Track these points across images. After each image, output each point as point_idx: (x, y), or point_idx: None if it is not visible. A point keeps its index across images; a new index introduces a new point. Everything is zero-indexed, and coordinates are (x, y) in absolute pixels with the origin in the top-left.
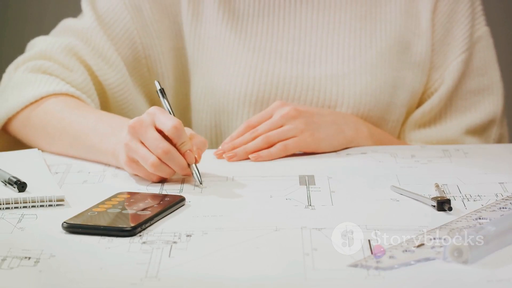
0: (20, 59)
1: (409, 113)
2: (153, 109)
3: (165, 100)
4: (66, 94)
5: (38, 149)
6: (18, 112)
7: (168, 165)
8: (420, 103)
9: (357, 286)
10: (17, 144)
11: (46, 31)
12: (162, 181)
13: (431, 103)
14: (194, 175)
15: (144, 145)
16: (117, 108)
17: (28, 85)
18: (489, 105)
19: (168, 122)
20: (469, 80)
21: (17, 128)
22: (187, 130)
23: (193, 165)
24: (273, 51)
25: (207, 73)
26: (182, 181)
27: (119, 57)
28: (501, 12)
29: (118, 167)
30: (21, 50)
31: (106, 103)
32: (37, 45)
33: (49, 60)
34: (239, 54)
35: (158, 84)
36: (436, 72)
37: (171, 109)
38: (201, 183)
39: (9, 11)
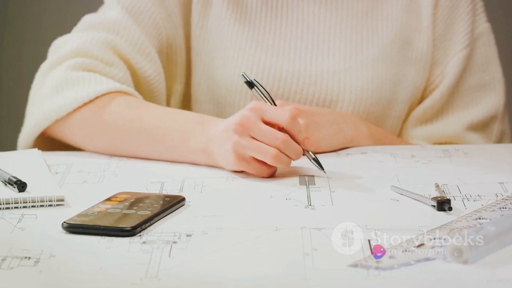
0: (54, 58)
1: (411, 109)
2: (255, 103)
3: (260, 91)
4: (121, 92)
5: (96, 151)
6: (68, 114)
7: (286, 155)
8: (421, 100)
9: (357, 286)
10: (55, 147)
11: (46, 31)
12: (271, 176)
13: (432, 99)
14: (314, 162)
15: (257, 140)
16: (148, 100)
17: (76, 84)
18: (491, 101)
19: (282, 114)
20: (470, 76)
21: (68, 131)
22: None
23: (310, 152)
24: (276, 45)
25: (210, 64)
26: (182, 180)
27: (154, 48)
28: (500, 8)
29: (208, 165)
30: (21, 50)
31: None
32: (69, 42)
33: (87, 57)
34: (242, 47)
35: (245, 76)
36: (437, 67)
37: (270, 98)
38: (325, 172)
39: (9, 11)
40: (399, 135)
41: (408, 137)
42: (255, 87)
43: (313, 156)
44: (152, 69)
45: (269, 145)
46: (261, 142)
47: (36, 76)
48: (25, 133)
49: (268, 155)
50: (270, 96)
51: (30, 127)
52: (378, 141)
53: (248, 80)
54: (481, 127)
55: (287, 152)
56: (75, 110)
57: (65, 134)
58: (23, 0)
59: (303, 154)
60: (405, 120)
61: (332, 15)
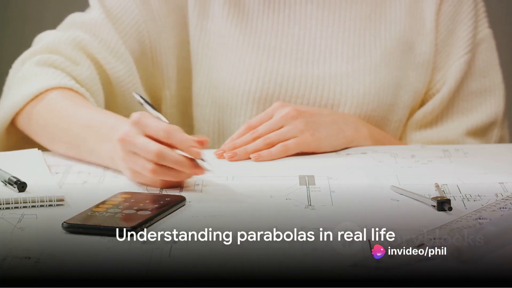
0: (26, 53)
1: (411, 113)
2: (136, 116)
3: (149, 106)
4: (68, 89)
5: (40, 148)
6: (23, 107)
7: (169, 167)
8: (422, 104)
9: (357, 286)
10: (27, 141)
11: (46, 30)
12: (173, 186)
13: (432, 104)
14: (202, 164)
15: (139, 154)
16: (123, 102)
17: (33, 79)
18: (491, 107)
19: (158, 127)
20: (471, 82)
21: (23, 124)
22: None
23: (198, 160)
24: (277, 49)
25: (211, 69)
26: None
27: (127, 50)
28: (501, 13)
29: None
30: (21, 50)
31: (112, 97)
32: (44, 39)
33: (55, 54)
34: (244, 51)
35: (137, 95)
36: (438, 72)
37: (156, 111)
38: (211, 170)
39: (9, 11)
40: (399, 139)
41: (407, 141)
42: (147, 104)
43: (202, 161)
44: (123, 70)
45: (147, 159)
46: (141, 156)
47: (13, 65)
48: None
49: (145, 170)
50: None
51: None
52: (378, 141)
53: (140, 100)
54: (480, 132)
55: (165, 164)
56: (26, 104)
57: (22, 127)
58: (23, 0)
59: (193, 161)
60: (405, 124)
61: (335, 19)
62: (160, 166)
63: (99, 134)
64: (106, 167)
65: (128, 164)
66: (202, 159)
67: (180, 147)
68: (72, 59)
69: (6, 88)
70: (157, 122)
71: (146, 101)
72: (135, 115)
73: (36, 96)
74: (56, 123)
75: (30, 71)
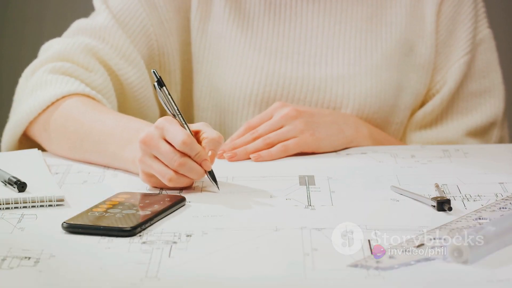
0: (37, 62)
1: (411, 114)
2: (161, 121)
3: (163, 94)
4: (85, 95)
5: (57, 155)
6: (39, 114)
7: (185, 175)
8: (422, 104)
9: (357, 286)
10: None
11: (46, 31)
12: (182, 188)
13: (432, 104)
14: (211, 181)
15: (159, 159)
16: (136, 107)
17: (47, 87)
18: (490, 107)
19: (177, 138)
20: (471, 82)
21: (37, 132)
22: (198, 126)
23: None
24: (279, 51)
25: (212, 72)
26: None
27: (139, 54)
28: (501, 13)
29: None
30: (21, 50)
31: (124, 103)
32: (53, 47)
33: (68, 61)
34: (245, 54)
35: (155, 74)
36: (438, 73)
37: (173, 102)
38: (218, 189)
39: (9, 11)
40: (398, 140)
41: (407, 142)
42: (163, 90)
43: (211, 175)
44: (136, 75)
45: (167, 166)
46: (161, 162)
47: (23, 74)
48: (5, 135)
49: (165, 177)
50: (175, 102)
51: (9, 129)
52: (378, 141)
53: (159, 79)
54: (480, 133)
55: (186, 174)
56: (43, 111)
57: (35, 135)
58: (23, 0)
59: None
60: (405, 125)
61: (336, 21)
62: (178, 174)
63: (121, 139)
64: (128, 171)
65: (144, 167)
66: (212, 173)
67: (194, 159)
68: (85, 66)
69: (17, 97)
70: (178, 130)
71: (161, 84)
72: (160, 119)
73: (52, 103)
74: (76, 130)
75: (43, 79)
